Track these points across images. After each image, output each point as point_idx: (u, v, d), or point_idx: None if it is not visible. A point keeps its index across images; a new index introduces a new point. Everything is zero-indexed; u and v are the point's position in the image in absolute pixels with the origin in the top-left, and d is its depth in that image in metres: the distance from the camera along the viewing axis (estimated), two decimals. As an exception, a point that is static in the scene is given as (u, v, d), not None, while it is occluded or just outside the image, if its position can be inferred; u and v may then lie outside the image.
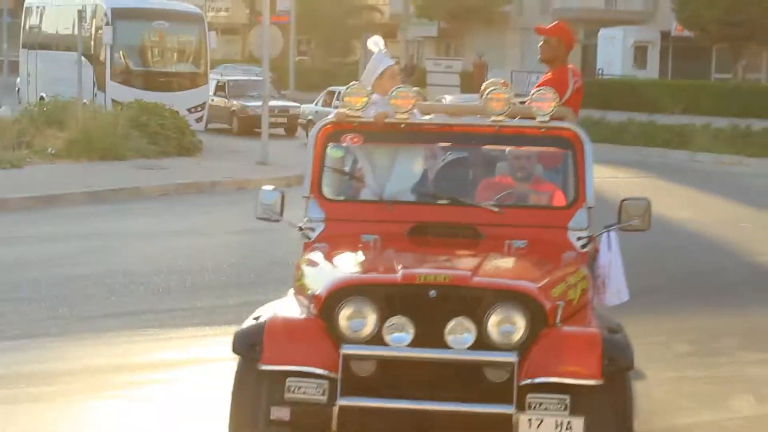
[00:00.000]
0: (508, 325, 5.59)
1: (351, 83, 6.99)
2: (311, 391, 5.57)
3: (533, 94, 6.82)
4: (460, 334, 5.58)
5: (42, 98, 27.92)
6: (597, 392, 5.47)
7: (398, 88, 6.91)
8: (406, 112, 6.78)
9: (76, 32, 27.03)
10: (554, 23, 9.19)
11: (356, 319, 5.65)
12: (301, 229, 6.78)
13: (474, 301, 5.64)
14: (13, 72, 40.06)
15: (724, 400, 7.98)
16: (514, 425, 5.46)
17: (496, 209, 6.71)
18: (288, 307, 6.05)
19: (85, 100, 24.69)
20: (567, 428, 5.43)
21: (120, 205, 16.91)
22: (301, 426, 5.62)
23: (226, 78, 33.49)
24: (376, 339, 5.63)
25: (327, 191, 6.90)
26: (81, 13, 26.33)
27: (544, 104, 6.69)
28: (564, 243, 6.54)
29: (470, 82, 37.11)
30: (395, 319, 5.61)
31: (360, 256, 6.31)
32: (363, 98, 6.78)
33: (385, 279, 5.83)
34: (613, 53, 44.18)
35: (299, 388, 5.58)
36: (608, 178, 19.72)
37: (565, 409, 5.45)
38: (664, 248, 13.63)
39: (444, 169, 7.22)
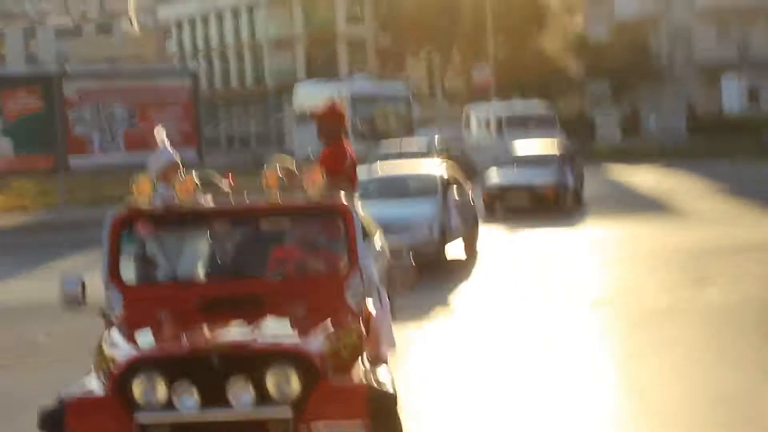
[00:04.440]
0: (283, 382, 6.07)
1: (137, 175, 7.30)
2: None
3: (303, 171, 7.40)
4: (240, 393, 6.06)
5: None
6: (368, 430, 6.08)
7: (180, 178, 7.42)
8: (187, 199, 7.26)
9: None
10: (327, 107, 9.80)
11: (148, 389, 6.03)
12: (102, 312, 7.09)
13: (252, 363, 6.09)
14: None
15: None
16: None
17: (278, 279, 7.21)
18: (87, 385, 6.38)
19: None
20: None
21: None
22: None
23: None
24: (168, 405, 6.04)
25: (124, 276, 7.17)
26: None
27: (313, 180, 7.20)
28: (340, 305, 6.99)
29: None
30: (181, 385, 6.04)
31: (152, 332, 6.67)
32: (149, 189, 7.19)
33: (172, 350, 6.28)
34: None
35: None
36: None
37: None
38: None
39: (231, 245, 7.66)
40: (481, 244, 19.42)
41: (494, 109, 42.46)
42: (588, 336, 12.34)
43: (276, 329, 6.58)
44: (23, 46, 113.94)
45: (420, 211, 17.28)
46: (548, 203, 25.13)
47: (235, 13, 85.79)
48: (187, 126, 32.21)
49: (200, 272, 7.63)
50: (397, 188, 18.30)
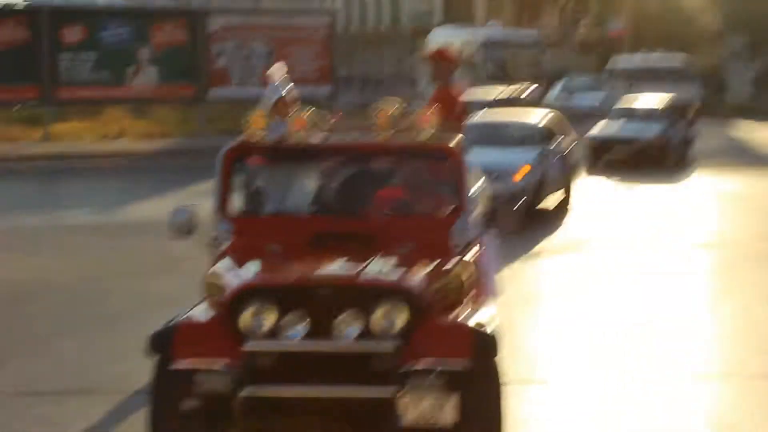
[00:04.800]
0: (390, 317, 6.16)
1: (253, 110, 7.45)
2: (218, 384, 6.05)
3: (416, 112, 7.39)
4: (347, 326, 6.15)
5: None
6: (467, 374, 6.06)
7: (294, 112, 7.58)
8: (301, 133, 7.42)
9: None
10: (436, 50, 9.91)
11: (257, 318, 6.15)
12: (211, 243, 7.23)
13: (360, 298, 6.19)
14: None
15: None
16: (397, 406, 6.03)
17: (385, 217, 7.26)
18: (198, 311, 6.53)
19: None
20: (443, 404, 6.03)
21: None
22: (209, 416, 6.10)
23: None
24: (275, 334, 6.15)
25: (234, 208, 7.36)
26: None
27: (424, 121, 7.35)
28: (446, 247, 7.02)
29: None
30: (290, 316, 6.15)
31: (262, 263, 6.76)
32: (263, 123, 7.36)
33: (283, 281, 6.43)
34: None
35: (207, 381, 6.04)
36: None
37: (441, 388, 6.02)
38: None
39: (341, 182, 7.67)
40: (581, 195, 19.74)
41: (628, 61, 42.62)
42: (689, 275, 13.03)
43: (382, 266, 6.66)
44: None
45: (520, 158, 17.46)
46: (651, 158, 25.37)
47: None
48: (322, 64, 33.57)
49: (309, 207, 7.73)
50: (499, 135, 18.47)
